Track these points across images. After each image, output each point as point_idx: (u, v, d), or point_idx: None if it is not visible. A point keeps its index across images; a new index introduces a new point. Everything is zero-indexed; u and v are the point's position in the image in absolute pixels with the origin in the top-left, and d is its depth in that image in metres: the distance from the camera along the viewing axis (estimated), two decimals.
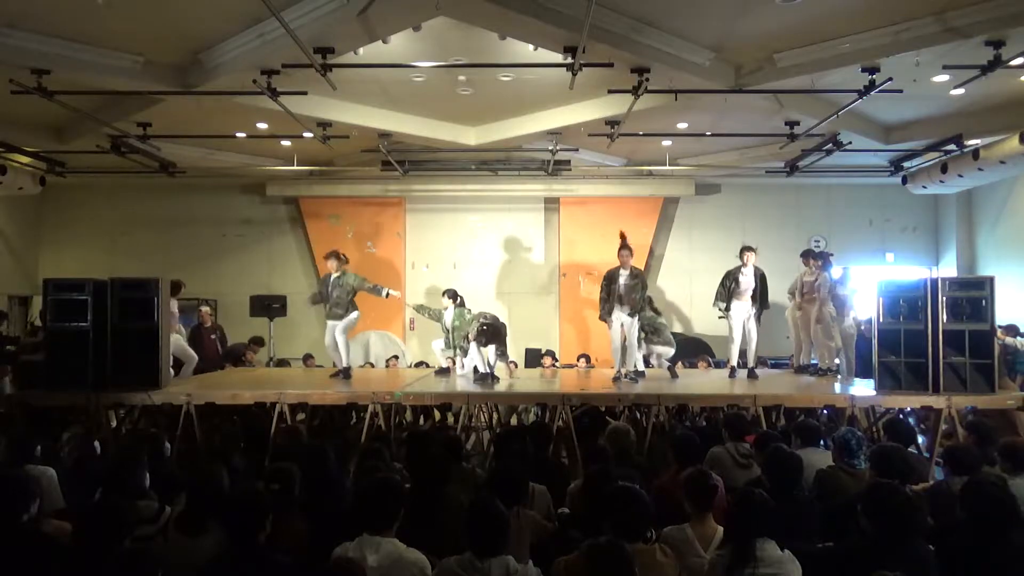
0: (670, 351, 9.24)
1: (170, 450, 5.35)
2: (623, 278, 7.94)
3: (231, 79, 7.35)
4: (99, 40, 6.92)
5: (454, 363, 8.86)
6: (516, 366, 10.56)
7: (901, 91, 7.34)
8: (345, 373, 8.12)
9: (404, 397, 7.02)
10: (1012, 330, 8.41)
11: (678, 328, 12.11)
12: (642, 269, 8.70)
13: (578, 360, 10.49)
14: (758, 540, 2.97)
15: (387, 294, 8.43)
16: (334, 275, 8.20)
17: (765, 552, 2.96)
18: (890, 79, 7.10)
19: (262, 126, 9.55)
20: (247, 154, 11.00)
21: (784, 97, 8.20)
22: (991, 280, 6.76)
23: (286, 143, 10.32)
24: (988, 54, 6.53)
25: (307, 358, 10.84)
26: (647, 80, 7.19)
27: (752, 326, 8.29)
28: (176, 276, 8.48)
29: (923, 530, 3.25)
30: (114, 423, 7.37)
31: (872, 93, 7.28)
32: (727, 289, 8.22)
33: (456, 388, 7.64)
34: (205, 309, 10.51)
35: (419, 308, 9.23)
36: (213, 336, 10.26)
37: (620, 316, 7.95)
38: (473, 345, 7.88)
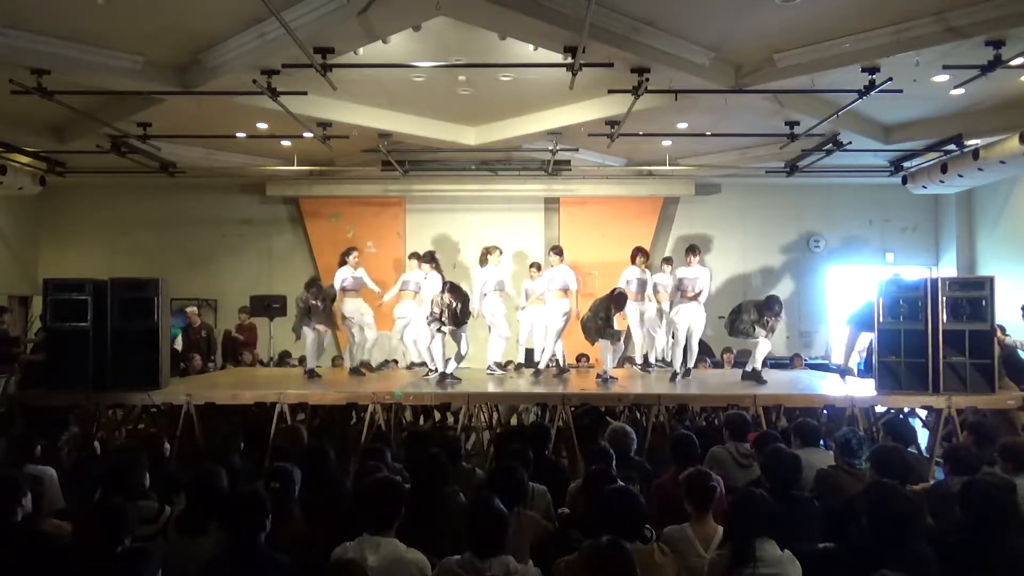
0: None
1: (170, 450, 5.35)
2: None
3: (231, 79, 7.35)
4: (99, 40, 6.92)
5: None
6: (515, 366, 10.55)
7: (901, 91, 7.33)
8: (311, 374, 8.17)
9: (404, 397, 7.02)
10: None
11: None
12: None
13: (578, 360, 10.48)
14: (758, 540, 2.97)
15: None
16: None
17: (765, 552, 2.95)
18: (890, 79, 7.10)
19: (262, 126, 9.56)
20: (247, 154, 11.01)
21: (784, 97, 8.20)
22: (991, 280, 6.75)
23: (286, 143, 10.32)
24: (988, 54, 6.53)
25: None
26: (647, 80, 7.19)
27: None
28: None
29: (923, 530, 3.25)
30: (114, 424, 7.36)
31: (872, 93, 7.28)
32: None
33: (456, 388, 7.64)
34: (191, 310, 10.75)
35: None
36: (204, 333, 10.59)
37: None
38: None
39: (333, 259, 12.03)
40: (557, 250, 8.47)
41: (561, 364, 8.56)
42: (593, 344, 7.99)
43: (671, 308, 8.39)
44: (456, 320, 7.44)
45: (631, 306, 8.42)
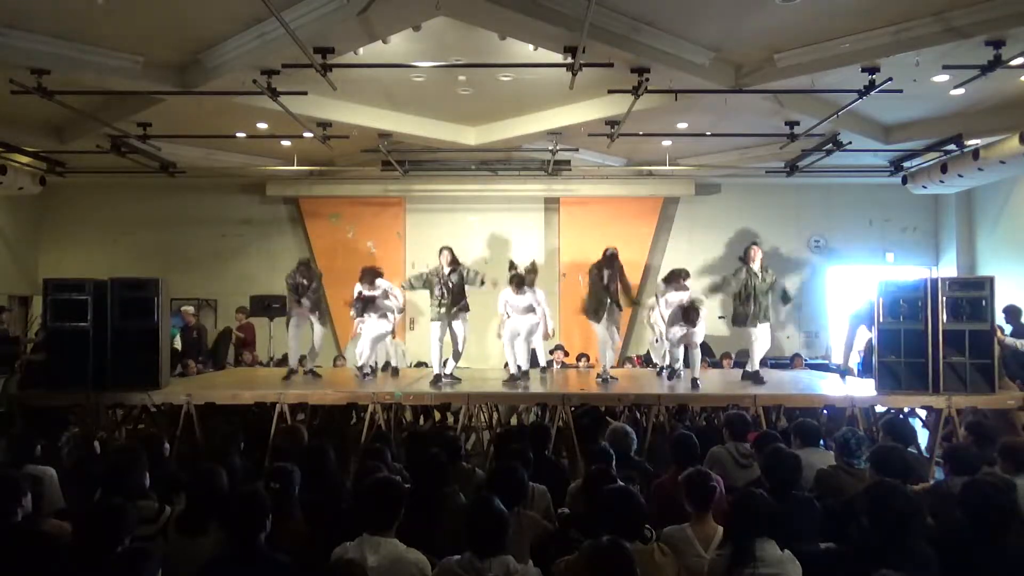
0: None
1: (170, 450, 5.35)
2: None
3: (231, 79, 7.34)
4: (99, 40, 6.92)
5: None
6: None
7: (901, 91, 7.33)
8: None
9: (404, 397, 7.03)
10: None
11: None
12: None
13: (578, 360, 10.49)
14: (758, 540, 2.97)
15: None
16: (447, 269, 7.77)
17: (765, 552, 2.96)
18: (890, 79, 7.09)
19: (262, 126, 9.55)
20: (247, 154, 11.00)
21: (784, 97, 8.20)
22: (991, 280, 6.76)
23: (286, 143, 10.32)
24: (988, 54, 6.53)
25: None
26: (647, 80, 7.18)
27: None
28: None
29: (923, 530, 3.25)
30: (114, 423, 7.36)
31: (872, 93, 7.27)
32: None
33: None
34: (186, 309, 10.84)
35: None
36: (195, 334, 10.69)
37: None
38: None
39: (333, 259, 12.13)
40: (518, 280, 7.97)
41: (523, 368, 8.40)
42: (598, 321, 7.93)
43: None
44: (456, 298, 7.62)
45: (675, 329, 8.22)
